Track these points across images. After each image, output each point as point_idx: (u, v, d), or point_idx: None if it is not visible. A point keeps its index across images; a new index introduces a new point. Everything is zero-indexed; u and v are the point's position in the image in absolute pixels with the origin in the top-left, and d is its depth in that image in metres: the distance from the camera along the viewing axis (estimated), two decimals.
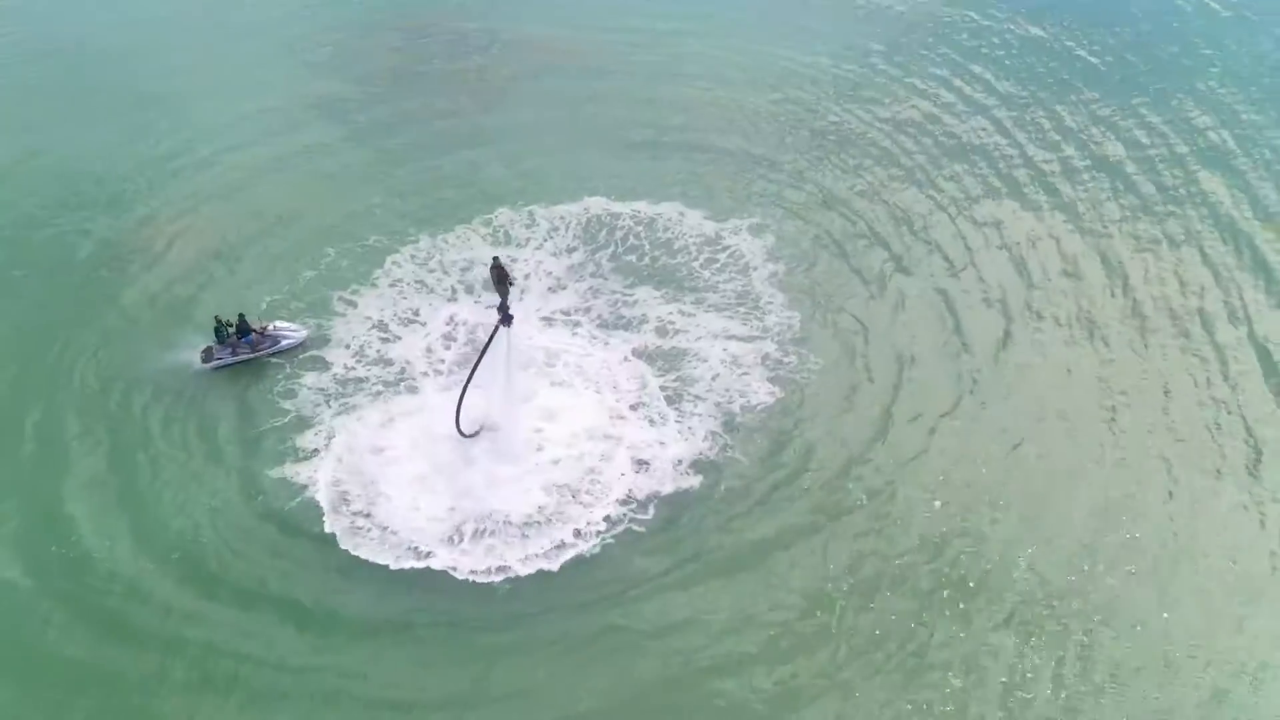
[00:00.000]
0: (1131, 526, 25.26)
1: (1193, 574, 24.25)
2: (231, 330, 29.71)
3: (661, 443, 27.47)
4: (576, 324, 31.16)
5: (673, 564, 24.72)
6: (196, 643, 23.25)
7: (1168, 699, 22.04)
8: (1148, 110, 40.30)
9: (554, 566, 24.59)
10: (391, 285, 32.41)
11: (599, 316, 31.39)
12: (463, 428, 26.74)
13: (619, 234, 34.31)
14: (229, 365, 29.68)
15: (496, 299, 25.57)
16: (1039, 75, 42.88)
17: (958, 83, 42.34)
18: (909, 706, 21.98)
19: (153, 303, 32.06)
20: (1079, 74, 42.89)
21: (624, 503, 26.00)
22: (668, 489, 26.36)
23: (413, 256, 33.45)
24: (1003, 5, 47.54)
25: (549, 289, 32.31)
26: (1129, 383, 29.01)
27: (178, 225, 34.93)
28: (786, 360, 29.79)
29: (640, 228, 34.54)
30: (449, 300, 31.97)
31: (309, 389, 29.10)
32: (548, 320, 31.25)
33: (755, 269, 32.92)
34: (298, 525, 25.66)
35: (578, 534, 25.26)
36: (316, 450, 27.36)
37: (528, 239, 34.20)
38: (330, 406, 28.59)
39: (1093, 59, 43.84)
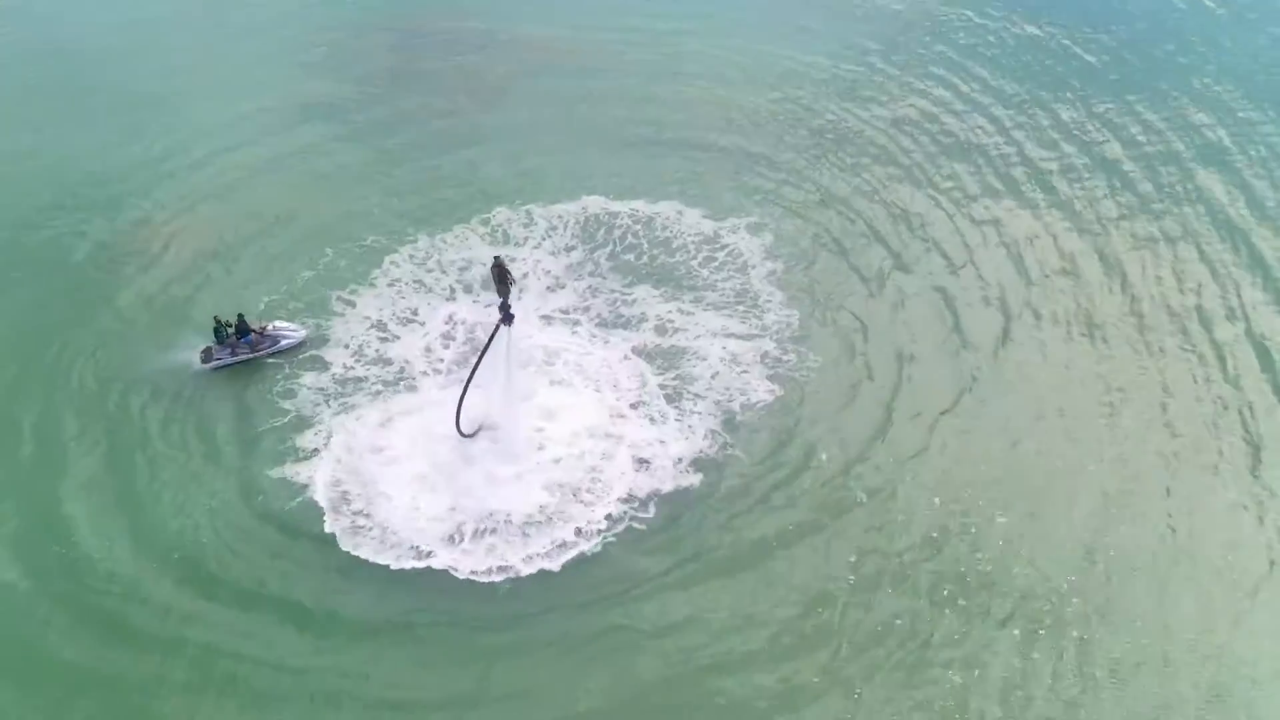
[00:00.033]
0: (1130, 523, 25.34)
1: (1191, 570, 24.32)
2: (230, 330, 29.67)
3: (662, 441, 27.48)
4: (576, 323, 31.16)
5: (674, 563, 24.73)
6: (196, 643, 23.20)
7: (1167, 695, 22.10)
8: (1145, 108, 40.41)
9: (555, 566, 24.56)
10: (390, 285, 32.37)
11: (598, 315, 31.38)
12: (462, 427, 26.70)
13: (617, 233, 34.30)
14: (228, 365, 29.64)
15: (495, 298, 25.56)
16: (1036, 74, 42.97)
17: (955, 81, 42.41)
18: (910, 704, 22.01)
19: (150, 303, 31.99)
20: (1076, 72, 43.00)
21: (625, 501, 25.99)
22: (668, 487, 26.37)
23: (411, 256, 33.41)
24: (1000, 4, 47.61)
25: (548, 288, 32.30)
26: (1127, 380, 29.10)
27: (175, 225, 34.86)
28: (786, 358, 29.81)
29: (639, 226, 34.53)
30: (447, 299, 31.95)
31: (308, 389, 29.06)
32: (547, 319, 31.25)
33: (754, 267, 32.93)
34: (297, 525, 25.62)
35: (579, 533, 25.25)
36: (316, 450, 27.32)
37: (526, 238, 34.19)
38: (329, 406, 28.56)
39: (1089, 57, 43.95)
